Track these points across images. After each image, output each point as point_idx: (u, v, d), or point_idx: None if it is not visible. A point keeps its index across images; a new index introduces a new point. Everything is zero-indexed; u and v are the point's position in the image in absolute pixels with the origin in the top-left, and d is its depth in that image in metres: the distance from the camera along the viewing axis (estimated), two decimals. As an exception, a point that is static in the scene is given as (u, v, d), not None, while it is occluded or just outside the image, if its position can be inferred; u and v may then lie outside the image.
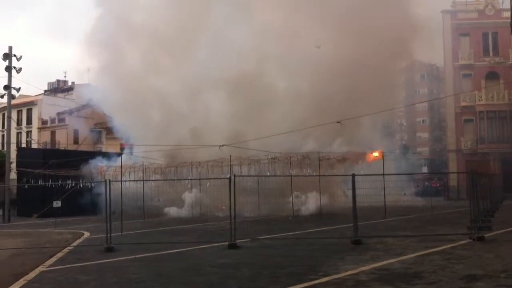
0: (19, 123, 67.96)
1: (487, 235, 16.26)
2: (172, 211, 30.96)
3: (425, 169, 55.23)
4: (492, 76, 48.53)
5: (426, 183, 52.11)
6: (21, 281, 10.88)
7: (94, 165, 35.77)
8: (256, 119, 31.74)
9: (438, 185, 53.03)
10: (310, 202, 26.79)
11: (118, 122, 38.99)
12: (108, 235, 15.58)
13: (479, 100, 48.25)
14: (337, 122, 26.44)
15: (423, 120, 72.29)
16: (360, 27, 31.03)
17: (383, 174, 25.05)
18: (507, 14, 43.91)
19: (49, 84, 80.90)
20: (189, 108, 34.38)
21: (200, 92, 34.62)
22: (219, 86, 33.54)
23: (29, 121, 72.66)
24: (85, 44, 38.76)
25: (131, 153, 33.75)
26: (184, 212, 30.56)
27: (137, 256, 14.23)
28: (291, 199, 26.91)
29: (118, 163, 32.50)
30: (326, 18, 32.32)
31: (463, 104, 48.90)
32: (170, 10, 36.71)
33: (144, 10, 38.16)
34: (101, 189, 23.08)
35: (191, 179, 28.35)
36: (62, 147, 60.07)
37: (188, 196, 30.57)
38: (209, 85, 33.94)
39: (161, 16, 36.67)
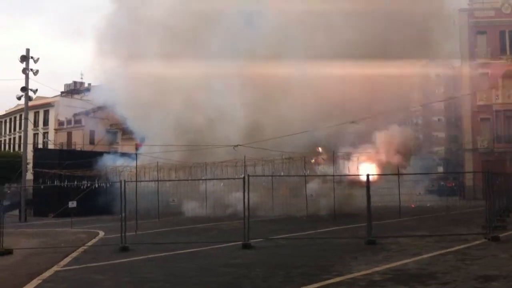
0: (36, 124, 68.71)
1: (502, 235, 16.12)
2: (187, 210, 31.08)
3: (440, 169, 54.83)
4: (509, 74, 47.88)
5: (442, 183, 51.68)
6: (36, 281, 10.98)
7: (109, 165, 36.01)
8: (272, 111, 31.59)
9: (453, 184, 52.56)
10: (324, 202, 26.69)
11: (133, 121, 39.07)
12: (123, 234, 15.69)
13: (496, 99, 47.69)
14: (352, 122, 26.33)
15: (439, 119, 71.74)
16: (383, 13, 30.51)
17: (398, 174, 24.95)
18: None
19: (66, 85, 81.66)
20: (205, 100, 34.07)
21: (215, 83, 34.48)
22: (235, 76, 33.43)
23: (45, 123, 73.42)
24: (99, 41, 38.52)
25: (141, 153, 33.64)
26: (198, 211, 30.65)
27: (151, 256, 14.31)
28: (305, 198, 26.84)
29: (134, 163, 32.68)
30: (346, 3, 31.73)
31: (479, 103, 48.36)
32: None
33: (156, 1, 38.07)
34: (116, 189, 23.29)
35: (206, 179, 28.41)
36: (78, 148, 60.58)
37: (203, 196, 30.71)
38: (225, 75, 33.83)
39: (173, 5, 36.57)
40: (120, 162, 36.07)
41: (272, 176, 26.06)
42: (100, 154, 39.55)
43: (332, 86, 29.40)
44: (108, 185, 30.52)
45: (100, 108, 58.43)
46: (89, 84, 75.00)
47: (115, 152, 43.53)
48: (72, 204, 23.73)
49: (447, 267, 11.31)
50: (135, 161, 32.70)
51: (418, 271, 10.93)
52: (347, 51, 28.61)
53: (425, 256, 12.94)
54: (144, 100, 35.66)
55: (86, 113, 66.71)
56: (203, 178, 29.15)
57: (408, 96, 34.70)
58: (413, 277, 10.24)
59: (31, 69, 35.76)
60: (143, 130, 38.53)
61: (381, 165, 27.38)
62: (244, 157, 27.80)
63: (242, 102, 32.48)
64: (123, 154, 40.60)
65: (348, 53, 28.52)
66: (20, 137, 62.30)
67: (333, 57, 28.96)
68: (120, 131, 57.42)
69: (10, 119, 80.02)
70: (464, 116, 50.50)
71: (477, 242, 15.22)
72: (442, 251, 13.63)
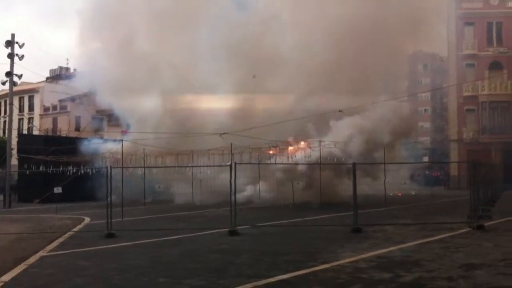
0: (21, 109, 68.01)
1: (487, 224, 16.34)
2: (174, 197, 31.03)
3: (426, 159, 55.21)
4: (495, 66, 48.29)
5: (427, 172, 52.12)
6: (22, 266, 10.92)
7: (95, 151, 35.78)
8: (260, 88, 31.67)
9: (438, 174, 53.05)
10: (310, 190, 26.76)
11: (119, 106, 38.68)
12: (109, 221, 15.64)
13: (482, 90, 48.08)
14: (339, 111, 26.39)
15: (425, 110, 72.27)
16: None
17: (384, 163, 25.08)
18: (512, 4, 43.75)
19: (51, 71, 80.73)
20: (193, 79, 33.85)
21: (203, 62, 34.32)
22: (222, 54, 33.36)
23: (31, 108, 72.68)
24: (82, 22, 37.88)
25: (127, 140, 33.26)
26: (185, 198, 30.61)
27: (137, 242, 14.29)
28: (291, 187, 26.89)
29: (119, 150, 32.47)
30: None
31: (465, 94, 48.75)
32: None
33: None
34: (102, 175, 23.15)
35: (192, 166, 28.33)
36: (63, 134, 60.09)
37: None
38: (212, 54, 33.70)
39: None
40: (105, 148, 35.80)
41: (259, 164, 26.04)
42: (86, 140, 39.25)
43: (320, 69, 29.39)
44: (93, 171, 30.35)
45: (85, 93, 57.89)
46: (75, 70, 74.32)
47: (101, 139, 43.11)
48: (58, 189, 23.55)
49: (431, 255, 11.42)
50: (120, 148, 32.46)
51: (403, 259, 11.02)
52: (337, 29, 28.71)
53: (410, 244, 13.07)
54: (130, 84, 35.22)
55: (72, 99, 66.11)
56: (189, 165, 29.05)
57: (395, 84, 34.80)
58: (398, 265, 10.32)
59: (16, 54, 35.35)
60: (129, 116, 38.16)
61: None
62: (231, 144, 27.76)
63: (230, 82, 32.37)
64: (109, 141, 40.30)
65: (337, 32, 28.68)
66: (4, 122, 61.69)
67: (323, 36, 28.99)
68: (106, 117, 56.96)
69: (-5, 104, 79.14)
70: (450, 106, 50.85)
71: (462, 230, 15.39)
72: (427, 239, 13.77)
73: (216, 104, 32.10)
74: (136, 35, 35.91)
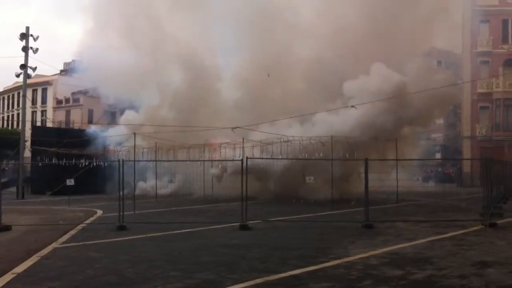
0: (34, 102, 68.45)
1: (500, 221, 16.21)
2: (185, 191, 31.14)
3: (438, 155, 54.84)
4: (510, 63, 47.81)
5: (439, 169, 51.80)
6: (35, 257, 11.04)
7: (107, 144, 35.99)
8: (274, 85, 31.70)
9: (451, 171, 52.69)
10: (323, 186, 26.69)
11: (130, 97, 38.80)
12: (121, 213, 15.74)
13: (496, 87, 47.72)
14: (352, 106, 26.25)
15: (438, 106, 71.68)
16: None
17: (396, 160, 24.97)
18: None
19: (65, 64, 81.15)
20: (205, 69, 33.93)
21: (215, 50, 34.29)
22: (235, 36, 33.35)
23: (44, 101, 73.22)
24: (91, 15, 37.98)
25: (139, 133, 33.28)
26: (196, 192, 30.71)
27: (148, 235, 14.35)
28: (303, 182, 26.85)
29: (132, 143, 32.57)
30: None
31: (479, 91, 48.41)
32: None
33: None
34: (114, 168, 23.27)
35: (204, 161, 28.38)
36: (76, 126, 60.47)
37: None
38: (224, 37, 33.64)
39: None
40: (118, 141, 35.91)
41: (270, 158, 25.99)
42: (98, 133, 39.41)
43: (331, 67, 29.19)
44: (105, 164, 30.49)
45: (97, 87, 58.12)
46: (80, 62, 74.66)
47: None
48: (70, 182, 23.66)
49: (443, 252, 11.37)
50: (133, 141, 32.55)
51: (414, 256, 10.98)
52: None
53: (422, 241, 13.00)
54: (140, 73, 35.26)
55: (85, 92, 66.45)
56: (201, 159, 29.09)
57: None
58: (410, 262, 10.28)
59: (31, 47, 35.59)
60: (139, 109, 38.21)
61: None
62: (243, 139, 27.76)
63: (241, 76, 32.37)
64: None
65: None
66: (18, 114, 62.16)
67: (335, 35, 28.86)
68: (118, 110, 57.19)
69: (8, 96, 79.76)
70: (464, 103, 50.47)
71: (474, 228, 15.29)
72: (439, 237, 13.69)
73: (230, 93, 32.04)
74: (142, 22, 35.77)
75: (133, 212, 19.47)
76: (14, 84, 69.58)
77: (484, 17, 48.35)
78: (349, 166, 25.48)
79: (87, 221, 18.32)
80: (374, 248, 11.87)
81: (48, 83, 71.07)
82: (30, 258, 10.89)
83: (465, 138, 49.35)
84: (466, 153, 48.12)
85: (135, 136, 31.22)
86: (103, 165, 30.43)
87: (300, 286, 8.44)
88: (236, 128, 27.52)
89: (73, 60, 79.21)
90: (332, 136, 25.80)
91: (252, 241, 13.27)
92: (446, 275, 9.03)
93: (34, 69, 36.41)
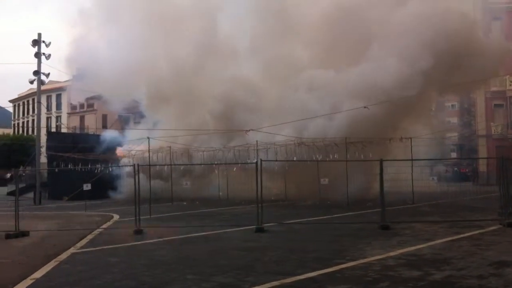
0: (48, 108, 69.07)
1: (518, 221, 16.02)
2: (200, 194, 31.19)
3: (454, 155, 54.50)
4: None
5: (455, 169, 51.42)
6: (53, 262, 11.14)
7: (122, 148, 36.21)
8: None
9: (466, 170, 52.28)
10: (338, 187, 26.62)
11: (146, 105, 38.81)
12: (137, 218, 15.82)
13: (510, 85, 47.29)
14: (364, 107, 26.13)
15: (452, 105, 71.26)
16: None
17: (411, 160, 24.82)
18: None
19: (78, 69, 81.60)
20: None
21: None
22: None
23: (58, 107, 73.90)
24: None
25: (154, 138, 33.29)
26: (212, 195, 30.76)
27: (165, 239, 14.45)
28: (318, 184, 26.81)
29: (146, 147, 32.73)
30: None
31: (493, 89, 47.97)
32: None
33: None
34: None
35: (218, 164, 28.44)
36: (91, 131, 60.91)
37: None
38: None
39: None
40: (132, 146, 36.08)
41: (284, 161, 25.99)
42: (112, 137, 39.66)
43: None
44: (121, 169, 30.69)
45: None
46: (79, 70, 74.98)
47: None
48: (87, 186, 23.89)
49: (461, 252, 11.29)
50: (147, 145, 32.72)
51: (432, 256, 10.91)
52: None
53: (439, 241, 12.91)
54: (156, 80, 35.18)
55: (99, 97, 66.86)
56: (215, 163, 29.15)
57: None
58: (427, 262, 10.22)
59: (43, 53, 35.89)
60: (155, 114, 38.25)
61: None
62: (256, 142, 27.77)
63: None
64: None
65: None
66: (33, 120, 62.72)
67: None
68: (132, 115, 57.50)
69: (23, 102, 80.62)
70: (478, 102, 50.08)
71: (492, 228, 15.16)
72: (456, 237, 13.60)
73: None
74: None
75: (149, 216, 19.56)
76: (28, 90, 70.30)
77: (497, 14, 47.88)
78: (364, 167, 25.32)
79: (104, 226, 18.44)
80: (391, 249, 11.81)
81: (62, 89, 71.67)
82: (49, 263, 10.99)
83: (481, 136, 48.96)
84: (482, 152, 47.71)
85: (149, 140, 31.36)
86: (119, 170, 30.64)
87: (317, 288, 8.44)
88: (249, 130, 27.59)
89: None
90: (346, 138, 25.75)
91: (268, 244, 13.27)
92: (465, 276, 8.97)
93: (47, 75, 36.67)
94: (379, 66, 26.50)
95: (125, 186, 30.31)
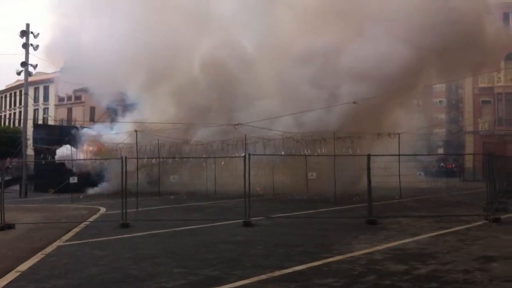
0: (36, 100, 68.47)
1: (503, 216, 16.17)
2: (187, 188, 31.09)
3: (441, 150, 54.89)
4: (511, 57, 47.63)
5: (441, 164, 51.77)
6: (39, 255, 11.07)
7: (109, 141, 35.89)
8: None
9: (453, 166, 52.68)
10: (326, 182, 26.67)
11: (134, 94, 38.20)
12: (124, 211, 15.76)
13: (498, 82, 47.56)
14: (353, 103, 26.16)
15: (440, 101, 71.67)
16: None
17: (399, 155, 24.91)
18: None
19: (65, 61, 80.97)
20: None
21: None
22: None
23: (46, 98, 73.26)
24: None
25: (141, 130, 32.88)
26: (199, 189, 30.67)
27: (152, 232, 14.40)
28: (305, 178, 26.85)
29: (133, 140, 32.52)
30: None
31: (481, 85, 48.25)
32: None
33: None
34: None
35: (207, 157, 28.37)
36: (78, 124, 60.49)
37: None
38: None
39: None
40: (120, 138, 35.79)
41: (272, 155, 25.98)
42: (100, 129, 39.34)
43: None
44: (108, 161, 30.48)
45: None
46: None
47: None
48: (73, 179, 23.76)
49: (447, 247, 11.37)
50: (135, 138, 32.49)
51: (418, 251, 10.98)
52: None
53: (425, 236, 13.00)
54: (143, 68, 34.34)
55: (86, 90, 66.40)
56: (204, 156, 29.08)
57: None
58: (413, 257, 10.29)
59: (31, 44, 35.55)
60: (143, 105, 37.69)
61: None
62: (245, 136, 27.72)
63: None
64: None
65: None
66: (20, 112, 62.16)
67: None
68: (120, 107, 57.22)
69: (10, 94, 79.86)
70: (466, 98, 50.38)
71: (478, 223, 15.28)
72: (442, 232, 13.70)
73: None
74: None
75: (136, 209, 19.50)
76: (15, 82, 69.63)
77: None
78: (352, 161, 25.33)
79: (90, 219, 18.34)
80: (378, 243, 11.87)
81: (49, 80, 71.03)
82: (34, 256, 10.91)
83: (468, 133, 49.27)
84: (469, 148, 48.00)
85: (136, 133, 31.15)
86: (105, 163, 30.46)
87: (304, 281, 8.45)
88: (238, 124, 27.54)
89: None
90: (334, 132, 25.81)
91: (255, 238, 13.28)
92: (450, 270, 9.03)
93: (35, 66, 36.30)
94: (381, 46, 26.21)
95: (112, 179, 30.11)
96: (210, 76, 31.21)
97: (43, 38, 45.97)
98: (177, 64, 32.79)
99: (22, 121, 39.74)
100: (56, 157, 34.06)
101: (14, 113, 76.93)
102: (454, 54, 27.04)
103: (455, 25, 25.60)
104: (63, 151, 34.58)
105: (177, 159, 29.96)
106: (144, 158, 28.87)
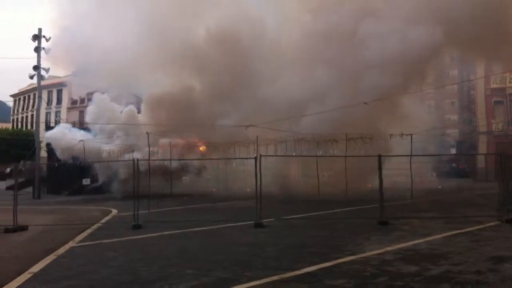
0: (49, 103, 69.01)
1: (516, 217, 16.02)
2: (199, 189, 31.16)
3: (453, 151, 54.43)
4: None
5: (454, 165, 51.39)
6: (52, 256, 11.17)
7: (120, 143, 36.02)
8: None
9: (465, 166, 52.27)
10: (338, 183, 26.60)
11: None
12: (136, 212, 15.83)
13: (510, 82, 47.28)
14: (364, 103, 26.06)
15: (452, 102, 71.19)
16: None
17: (410, 155, 24.77)
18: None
19: (77, 64, 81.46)
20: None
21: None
22: None
23: (59, 102, 73.76)
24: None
25: (153, 132, 32.78)
26: (211, 190, 30.73)
27: (163, 233, 14.45)
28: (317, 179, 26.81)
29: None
30: None
31: (493, 86, 47.98)
32: None
33: None
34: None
35: (218, 159, 28.40)
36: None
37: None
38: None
39: None
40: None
41: (283, 156, 25.97)
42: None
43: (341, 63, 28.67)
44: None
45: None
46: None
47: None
48: (86, 181, 23.91)
49: (459, 248, 11.30)
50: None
51: (430, 252, 10.93)
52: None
53: (437, 236, 12.93)
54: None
55: (100, 91, 66.64)
56: (215, 157, 29.12)
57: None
58: (425, 257, 10.24)
59: (43, 48, 35.81)
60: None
61: None
62: (257, 137, 27.71)
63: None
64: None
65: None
66: (32, 115, 62.65)
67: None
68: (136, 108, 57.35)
69: (24, 97, 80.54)
70: (478, 99, 50.08)
71: (490, 224, 15.17)
72: (454, 232, 13.61)
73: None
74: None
75: (148, 211, 19.55)
76: (29, 85, 70.23)
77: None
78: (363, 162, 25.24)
79: (103, 220, 18.46)
80: (389, 244, 11.83)
81: (62, 84, 71.55)
82: (47, 257, 11.01)
83: (481, 133, 48.98)
84: (482, 148, 47.75)
85: (148, 135, 31.25)
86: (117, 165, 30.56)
87: (316, 282, 8.45)
88: (249, 126, 27.53)
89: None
90: (346, 134, 25.76)
91: (267, 239, 13.28)
92: (462, 271, 8.98)
93: (47, 70, 36.55)
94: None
95: (125, 181, 30.22)
96: (227, 54, 30.05)
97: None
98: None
99: (34, 124, 39.98)
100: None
101: (27, 116, 77.56)
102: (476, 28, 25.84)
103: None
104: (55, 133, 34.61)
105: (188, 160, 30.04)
106: (156, 159, 28.95)
